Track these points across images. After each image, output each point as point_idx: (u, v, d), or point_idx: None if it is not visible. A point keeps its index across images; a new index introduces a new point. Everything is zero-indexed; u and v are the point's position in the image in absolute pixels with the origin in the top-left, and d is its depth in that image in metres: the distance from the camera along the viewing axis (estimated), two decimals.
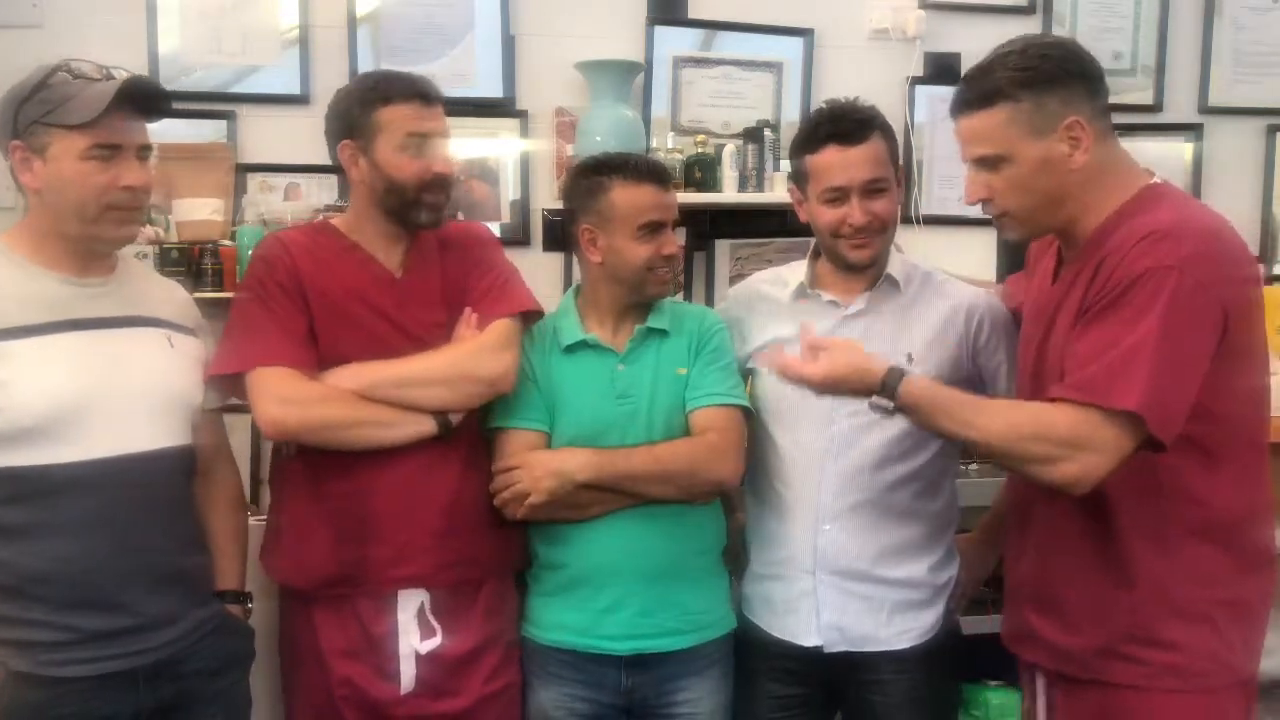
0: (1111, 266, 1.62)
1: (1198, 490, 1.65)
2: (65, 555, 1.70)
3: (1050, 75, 1.68)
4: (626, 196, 2.01)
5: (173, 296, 1.95)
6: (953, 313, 2.03)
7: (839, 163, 1.96)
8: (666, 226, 2.03)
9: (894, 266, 2.04)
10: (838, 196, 1.97)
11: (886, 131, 2.01)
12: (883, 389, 1.68)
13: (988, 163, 1.72)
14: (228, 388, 1.97)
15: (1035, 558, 1.81)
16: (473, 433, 2.04)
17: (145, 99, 1.77)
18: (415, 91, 1.98)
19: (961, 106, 1.75)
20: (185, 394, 1.86)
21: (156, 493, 1.80)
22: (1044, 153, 1.68)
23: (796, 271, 2.12)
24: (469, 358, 1.98)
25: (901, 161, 2.11)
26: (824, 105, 2.04)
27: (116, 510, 1.74)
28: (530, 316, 2.08)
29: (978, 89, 1.72)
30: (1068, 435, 1.57)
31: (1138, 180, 1.72)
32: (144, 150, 1.79)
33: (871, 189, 1.96)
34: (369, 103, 1.97)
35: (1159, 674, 1.67)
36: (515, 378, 2.01)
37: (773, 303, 2.11)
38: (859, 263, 2.01)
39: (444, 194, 2.02)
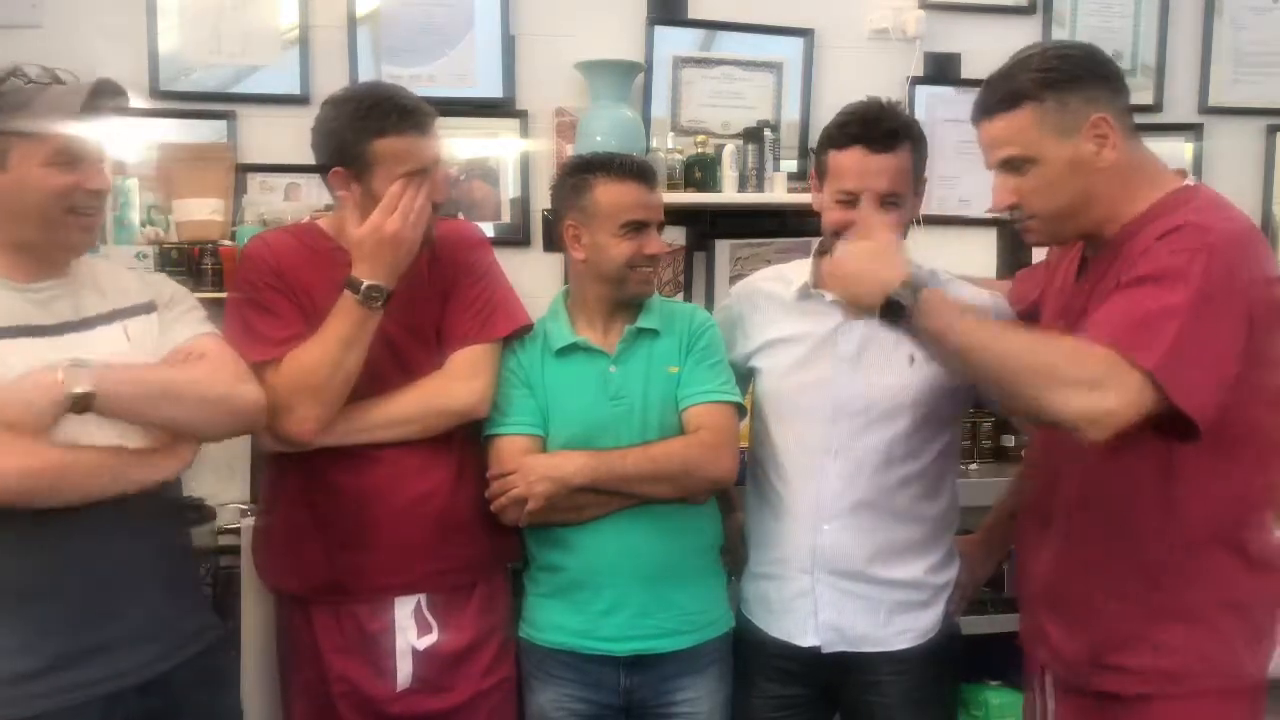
0: (1135, 256, 1.60)
1: (1214, 493, 1.63)
2: (49, 575, 1.64)
3: (1072, 74, 1.66)
4: (609, 194, 2.01)
5: (121, 278, 1.86)
6: None
7: (859, 168, 1.92)
8: (650, 226, 2.02)
9: None
10: (849, 200, 1.94)
11: (918, 142, 1.97)
12: (904, 284, 1.62)
13: (1014, 165, 1.69)
14: None
15: (1052, 561, 1.80)
16: (464, 438, 2.04)
17: (107, 105, 1.71)
18: (412, 122, 1.91)
19: (984, 111, 1.72)
20: None
21: (134, 503, 1.72)
22: (1072, 153, 1.66)
23: (800, 270, 2.11)
24: (437, 393, 1.98)
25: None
26: (865, 100, 1.99)
27: (95, 528, 1.67)
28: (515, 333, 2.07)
29: (1000, 92, 1.69)
30: (1099, 367, 1.50)
31: (1168, 182, 1.70)
32: (103, 155, 1.73)
33: (885, 201, 1.92)
34: (363, 133, 1.90)
35: (1153, 680, 1.66)
36: (490, 402, 2.01)
37: (775, 301, 2.11)
38: None
39: (434, 217, 1.99)
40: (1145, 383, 1.50)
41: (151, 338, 1.80)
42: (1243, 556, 1.66)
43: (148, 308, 1.82)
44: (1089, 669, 1.72)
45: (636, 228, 2.01)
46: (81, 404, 1.61)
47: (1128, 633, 1.68)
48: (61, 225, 1.69)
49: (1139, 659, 1.67)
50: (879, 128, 1.93)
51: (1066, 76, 1.66)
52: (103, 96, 1.71)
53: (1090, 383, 1.51)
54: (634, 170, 2.03)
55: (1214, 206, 1.66)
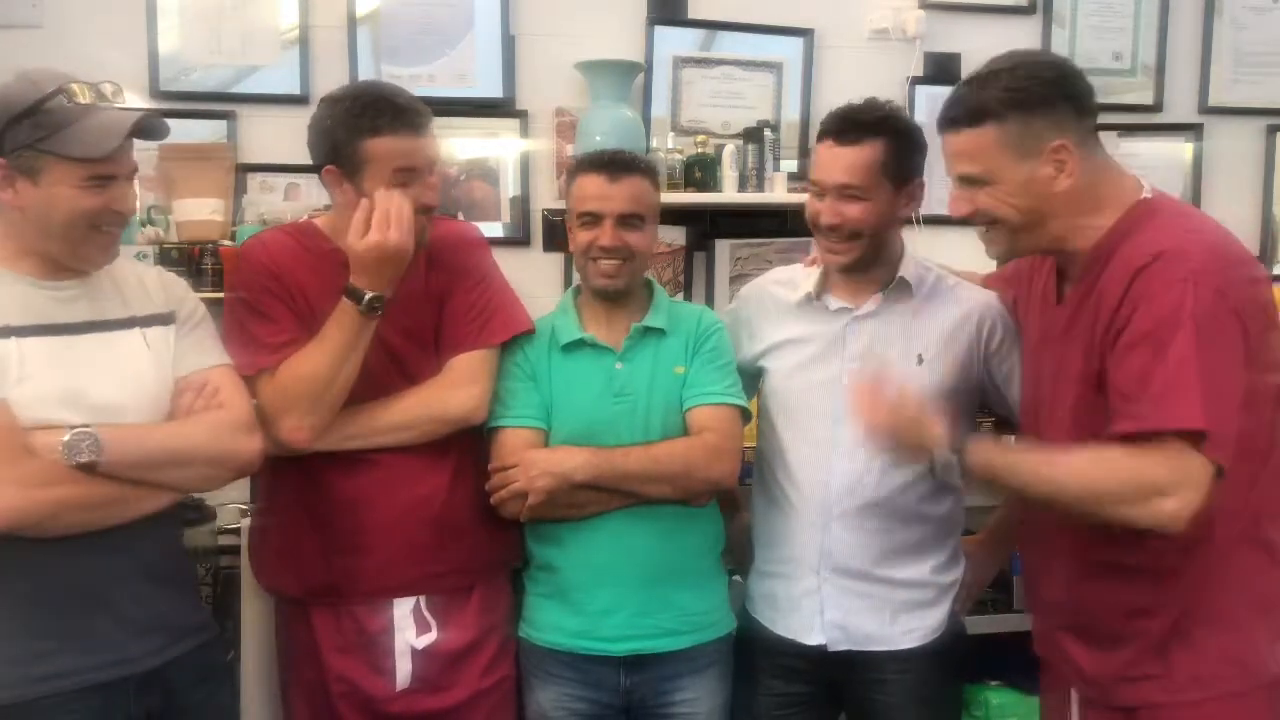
0: (1116, 294, 1.60)
1: (1229, 493, 1.61)
2: (45, 567, 1.65)
3: (1039, 97, 1.66)
4: (576, 187, 2.06)
5: (145, 282, 1.84)
6: (965, 317, 2.03)
7: (824, 160, 1.98)
8: (604, 218, 2.00)
9: (907, 269, 2.04)
10: (817, 192, 1.99)
11: (897, 138, 1.97)
12: (949, 447, 1.67)
13: (971, 181, 1.71)
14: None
15: (1068, 581, 1.78)
16: (462, 442, 2.03)
17: (148, 132, 1.73)
18: (405, 122, 1.90)
19: (948, 124, 1.73)
20: (161, 398, 1.78)
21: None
22: (1028, 174, 1.67)
23: (810, 273, 2.11)
24: (435, 400, 1.99)
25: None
26: (854, 100, 2.02)
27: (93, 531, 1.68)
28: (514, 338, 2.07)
29: (965, 107, 1.70)
30: (1156, 473, 1.54)
31: (1129, 195, 1.70)
32: (134, 173, 1.74)
33: (844, 193, 1.94)
34: (356, 132, 1.89)
35: (1180, 687, 1.66)
36: (487, 409, 2.01)
37: (782, 303, 2.12)
38: (829, 265, 2.02)
39: (429, 220, 1.98)
40: (1202, 458, 1.53)
41: (169, 349, 1.81)
42: (1268, 553, 1.66)
43: (167, 319, 1.82)
44: (1115, 683, 1.71)
45: (591, 218, 2.01)
46: (84, 469, 1.63)
47: (1155, 643, 1.67)
48: (84, 241, 1.70)
49: (1167, 667, 1.66)
50: (846, 122, 1.96)
51: (1035, 99, 1.66)
52: (147, 133, 1.72)
53: (1154, 490, 1.54)
54: (600, 163, 2.04)
55: (1180, 220, 1.66)
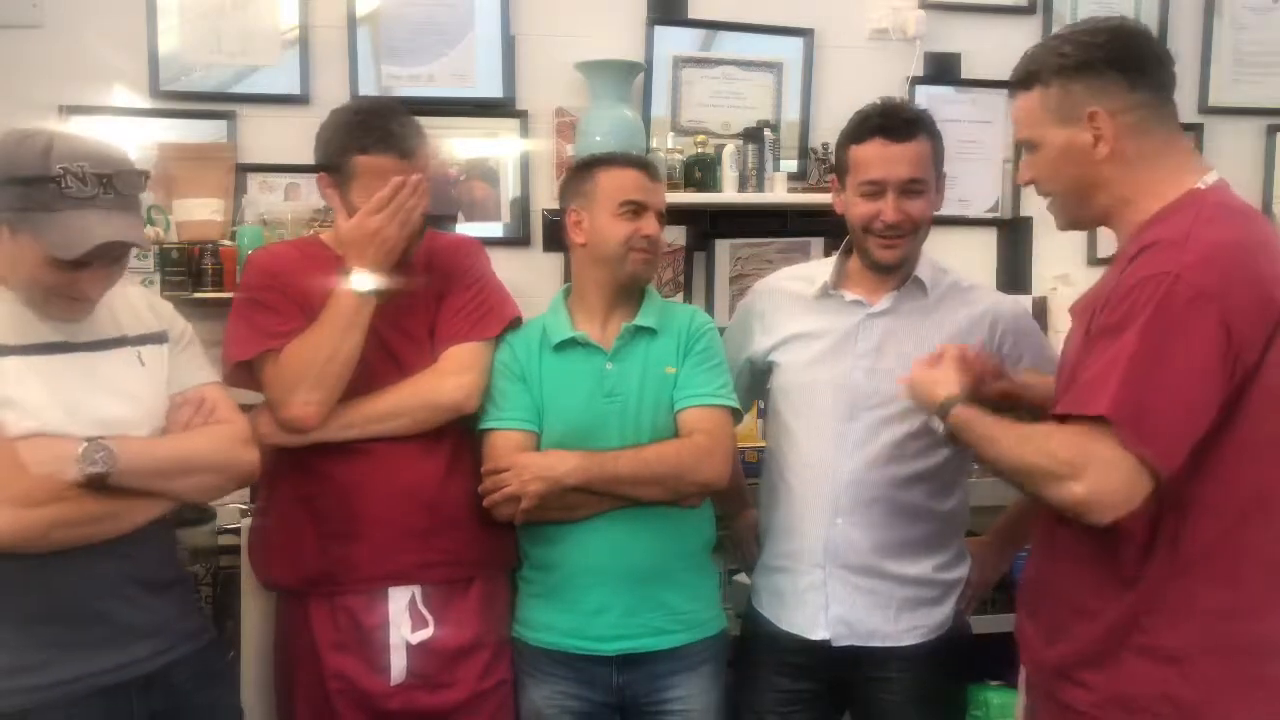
0: (1119, 277, 1.57)
1: (1202, 526, 1.53)
2: (42, 572, 1.65)
3: (1082, 63, 1.64)
4: (610, 178, 2.07)
5: (133, 303, 1.84)
6: (978, 319, 2.04)
7: (881, 157, 1.97)
8: (648, 209, 2.05)
9: (922, 269, 2.05)
10: (875, 190, 1.98)
11: (934, 134, 2.02)
12: (939, 408, 1.70)
13: (1026, 146, 1.72)
14: (242, 381, 1.99)
15: (1035, 567, 1.78)
16: (458, 433, 2.05)
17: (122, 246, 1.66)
18: (391, 146, 1.95)
19: (1009, 88, 1.75)
20: (157, 414, 1.79)
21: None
22: (1067, 140, 1.65)
23: (824, 268, 2.12)
24: (427, 388, 2.01)
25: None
26: (877, 101, 2.04)
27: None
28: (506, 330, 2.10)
29: (1020, 71, 1.71)
30: (1068, 452, 1.50)
31: (1185, 181, 1.62)
32: (116, 261, 1.68)
33: (909, 188, 1.97)
34: (348, 145, 1.96)
35: (1103, 704, 1.58)
36: (479, 398, 2.04)
37: (797, 298, 2.12)
38: (885, 262, 2.01)
39: (419, 237, 2.01)
40: (1119, 442, 1.45)
41: (164, 366, 1.82)
42: (1238, 588, 1.54)
43: (160, 337, 1.83)
44: (1053, 675, 1.66)
45: (635, 208, 2.04)
46: (95, 481, 1.63)
47: (1090, 649, 1.60)
48: (45, 303, 1.69)
49: (1099, 678, 1.59)
50: (896, 118, 1.98)
51: (1075, 64, 1.64)
52: (121, 246, 1.67)
53: (1063, 472, 1.50)
54: (635, 160, 2.10)
55: (1213, 214, 1.57)
